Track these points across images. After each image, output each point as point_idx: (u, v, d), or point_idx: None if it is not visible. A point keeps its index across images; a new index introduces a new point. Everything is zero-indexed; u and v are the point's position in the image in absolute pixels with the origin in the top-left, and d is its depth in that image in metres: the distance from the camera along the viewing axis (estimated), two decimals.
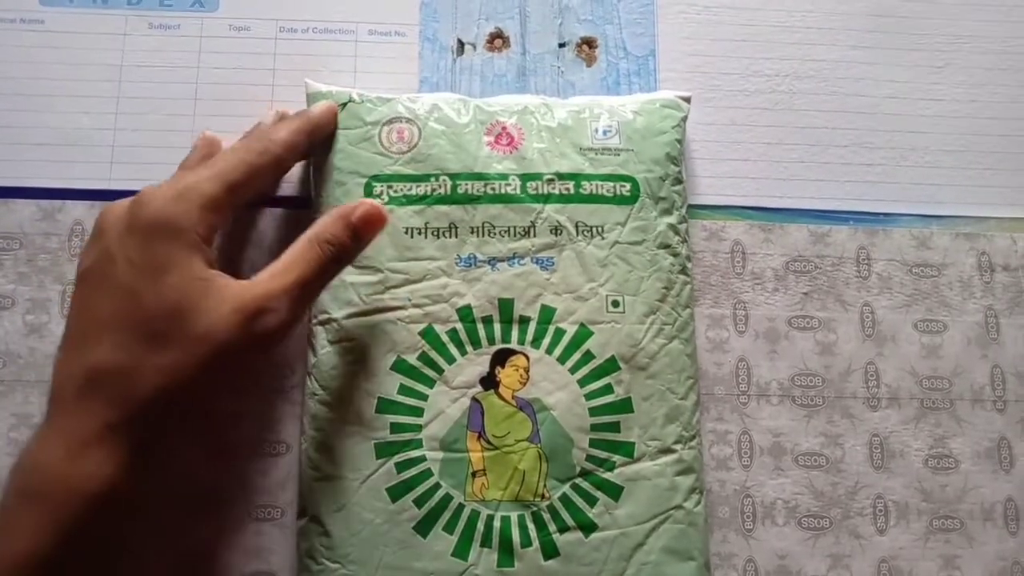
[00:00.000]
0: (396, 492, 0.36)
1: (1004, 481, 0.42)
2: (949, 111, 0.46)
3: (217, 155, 0.37)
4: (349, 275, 0.38)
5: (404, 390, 0.37)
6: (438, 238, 0.38)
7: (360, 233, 0.35)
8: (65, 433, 0.31)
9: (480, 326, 0.38)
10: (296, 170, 0.42)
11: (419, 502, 0.36)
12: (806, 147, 0.45)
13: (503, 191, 0.39)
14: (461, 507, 0.36)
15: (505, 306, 0.38)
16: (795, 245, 0.44)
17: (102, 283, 0.33)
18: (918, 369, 0.43)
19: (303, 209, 0.41)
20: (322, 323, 0.38)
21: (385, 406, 0.37)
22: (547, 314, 0.38)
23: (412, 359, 0.37)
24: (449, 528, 0.36)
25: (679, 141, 0.41)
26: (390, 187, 0.39)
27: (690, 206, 0.43)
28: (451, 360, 0.37)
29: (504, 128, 0.40)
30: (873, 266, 0.44)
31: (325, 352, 0.38)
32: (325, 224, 0.35)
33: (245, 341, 0.32)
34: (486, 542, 0.36)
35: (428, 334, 0.37)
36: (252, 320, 0.32)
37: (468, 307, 0.38)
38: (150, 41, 0.44)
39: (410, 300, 0.38)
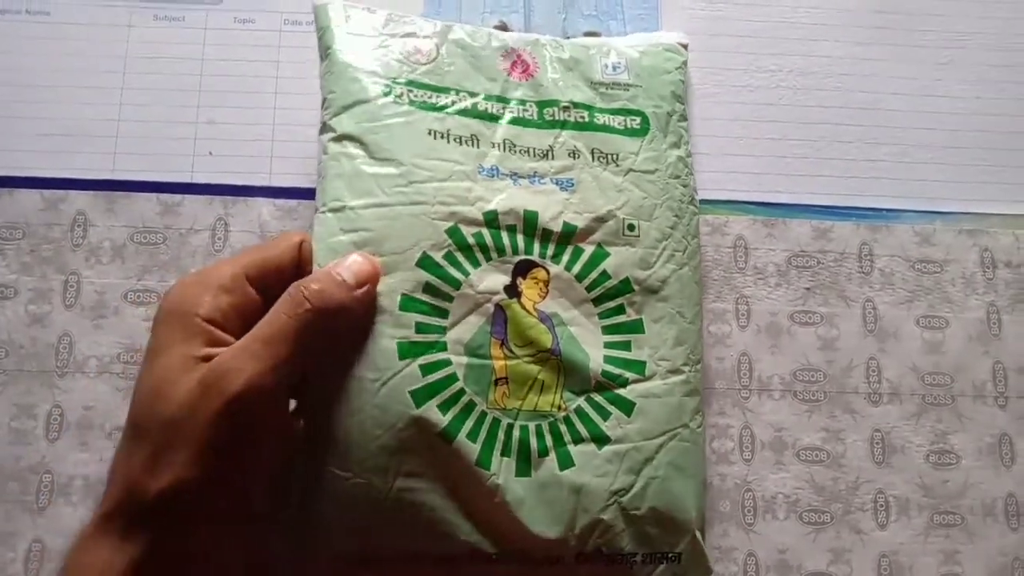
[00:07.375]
0: (420, 396, 0.34)
1: (1005, 477, 0.42)
2: (953, 108, 0.46)
3: None
4: (368, 166, 0.36)
5: (430, 289, 0.35)
6: (461, 144, 0.38)
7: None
8: (90, 546, 0.29)
9: (504, 233, 0.37)
10: (296, 162, 0.42)
11: (444, 408, 0.34)
12: (809, 143, 0.45)
13: (521, 115, 0.39)
14: (484, 415, 0.35)
15: (530, 217, 0.37)
16: (798, 240, 0.44)
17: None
18: (920, 365, 0.43)
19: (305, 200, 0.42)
20: (334, 210, 0.36)
21: (408, 303, 0.35)
22: (569, 230, 0.38)
23: (438, 256, 0.35)
24: (472, 436, 0.34)
25: (682, 82, 0.43)
26: (411, 91, 0.38)
27: None
28: (476, 264, 0.36)
29: (519, 56, 0.41)
30: (875, 262, 0.44)
31: (336, 240, 0.35)
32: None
33: (208, 416, 0.29)
34: (506, 451, 0.35)
35: (455, 233, 0.36)
36: (210, 388, 0.29)
37: (494, 212, 0.37)
38: (155, 33, 0.44)
39: (435, 197, 0.36)
